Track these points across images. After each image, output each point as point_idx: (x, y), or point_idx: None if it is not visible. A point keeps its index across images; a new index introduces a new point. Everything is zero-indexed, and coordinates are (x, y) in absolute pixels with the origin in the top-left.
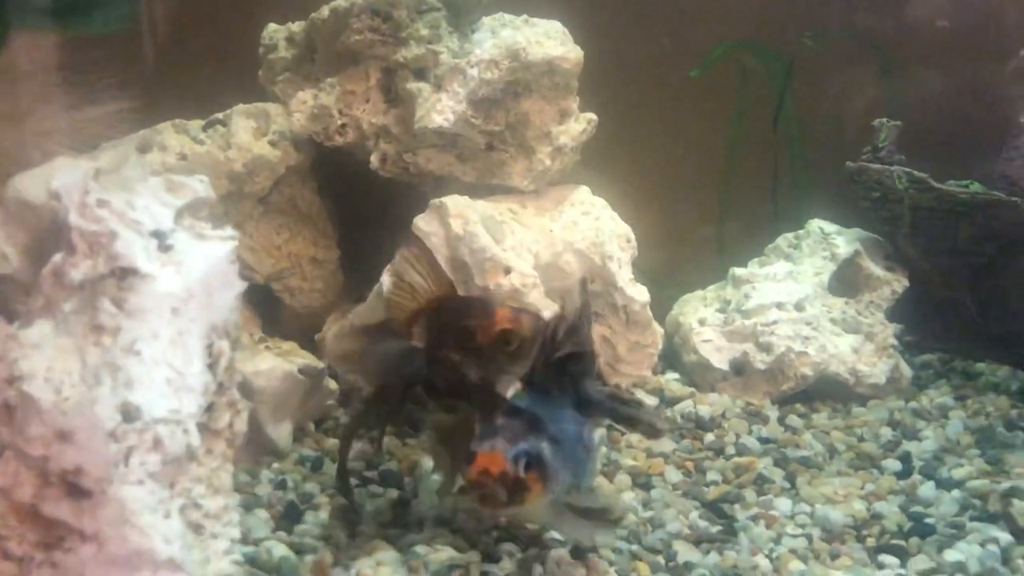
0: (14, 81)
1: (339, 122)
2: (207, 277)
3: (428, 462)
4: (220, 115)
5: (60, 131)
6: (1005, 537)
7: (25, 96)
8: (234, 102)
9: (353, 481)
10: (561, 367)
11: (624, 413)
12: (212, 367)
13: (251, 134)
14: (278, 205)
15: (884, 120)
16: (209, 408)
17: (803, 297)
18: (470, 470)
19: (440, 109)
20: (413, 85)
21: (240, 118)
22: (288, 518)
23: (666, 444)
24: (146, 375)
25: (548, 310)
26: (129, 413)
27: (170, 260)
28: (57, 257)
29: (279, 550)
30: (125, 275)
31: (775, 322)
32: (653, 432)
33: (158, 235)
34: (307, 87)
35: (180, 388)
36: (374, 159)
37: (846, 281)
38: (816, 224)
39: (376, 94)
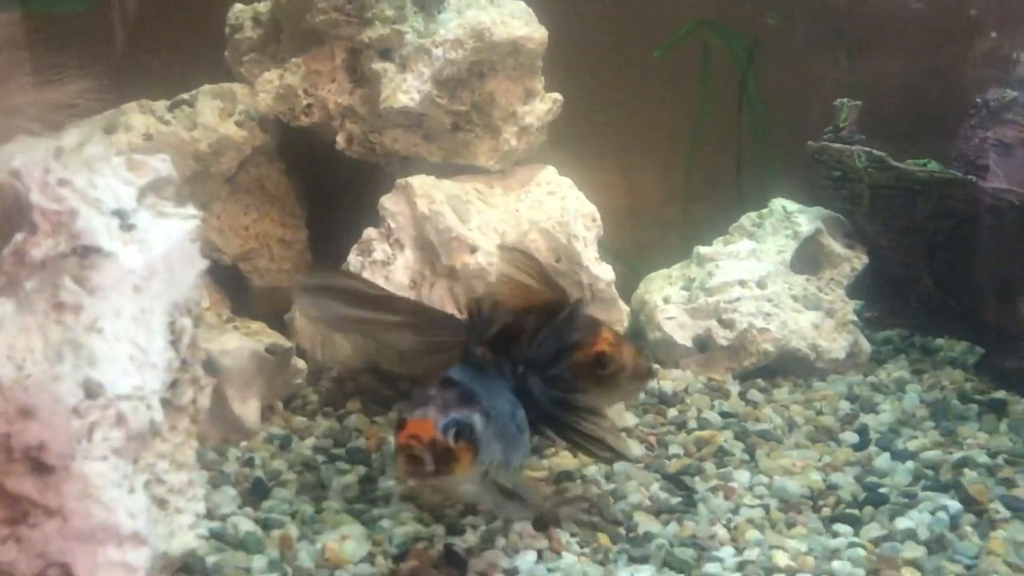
0: None
1: (305, 102)
2: (169, 255)
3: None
4: (186, 95)
5: (24, 110)
6: (955, 505)
7: None
8: (200, 83)
9: (321, 459)
10: (503, 347)
11: (572, 424)
12: (175, 344)
13: (217, 114)
14: (245, 185)
15: (845, 100)
16: (172, 384)
17: (765, 275)
18: (399, 435)
19: (405, 89)
20: (378, 65)
21: (206, 98)
22: (255, 494)
23: (630, 419)
24: (108, 352)
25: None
26: (92, 389)
27: (132, 238)
28: (19, 236)
29: (245, 525)
30: (87, 253)
31: (738, 299)
32: (608, 455)
33: (120, 214)
34: (273, 67)
35: (143, 365)
36: (340, 139)
37: (807, 258)
38: (779, 203)
39: (342, 74)
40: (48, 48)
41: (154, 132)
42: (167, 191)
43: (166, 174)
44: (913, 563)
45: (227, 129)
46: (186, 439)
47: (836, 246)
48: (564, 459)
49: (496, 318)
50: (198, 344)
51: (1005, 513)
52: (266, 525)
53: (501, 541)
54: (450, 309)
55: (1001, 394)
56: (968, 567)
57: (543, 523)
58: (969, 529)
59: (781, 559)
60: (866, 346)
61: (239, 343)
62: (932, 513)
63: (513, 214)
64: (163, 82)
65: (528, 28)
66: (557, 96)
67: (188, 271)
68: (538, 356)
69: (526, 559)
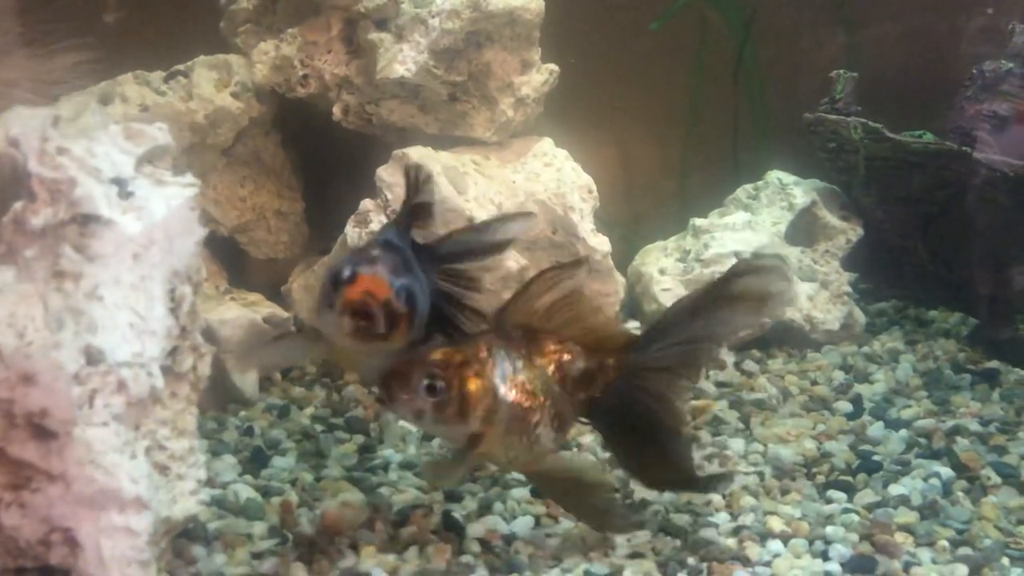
0: None
1: (301, 73)
2: (168, 223)
3: None
4: (182, 66)
5: (21, 82)
6: (947, 472)
7: None
8: (195, 54)
9: (319, 428)
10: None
11: (450, 317)
12: (174, 311)
13: (213, 85)
14: (242, 157)
15: (841, 71)
16: (172, 352)
17: (761, 246)
18: (349, 290)
19: (402, 60)
20: (374, 35)
21: (202, 69)
22: (255, 463)
23: None
24: (109, 319)
25: (513, 260)
26: (92, 356)
27: (131, 207)
28: (17, 205)
29: (246, 492)
30: (86, 221)
31: None
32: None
33: (118, 182)
34: (269, 38)
35: (143, 332)
36: (336, 110)
37: (803, 230)
38: (775, 175)
39: (338, 44)
40: (44, 19)
41: (150, 103)
42: (165, 160)
43: (164, 143)
44: (906, 528)
45: (223, 100)
46: (186, 406)
47: (831, 218)
48: None
49: (425, 195)
50: (198, 312)
51: (996, 479)
52: (266, 492)
53: (499, 507)
54: None
55: (993, 364)
56: (960, 532)
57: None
58: (961, 495)
59: (776, 524)
60: (860, 317)
61: (237, 314)
62: (925, 480)
63: (510, 185)
64: (158, 54)
65: None
66: (554, 67)
67: (187, 239)
68: (445, 247)
69: (524, 525)
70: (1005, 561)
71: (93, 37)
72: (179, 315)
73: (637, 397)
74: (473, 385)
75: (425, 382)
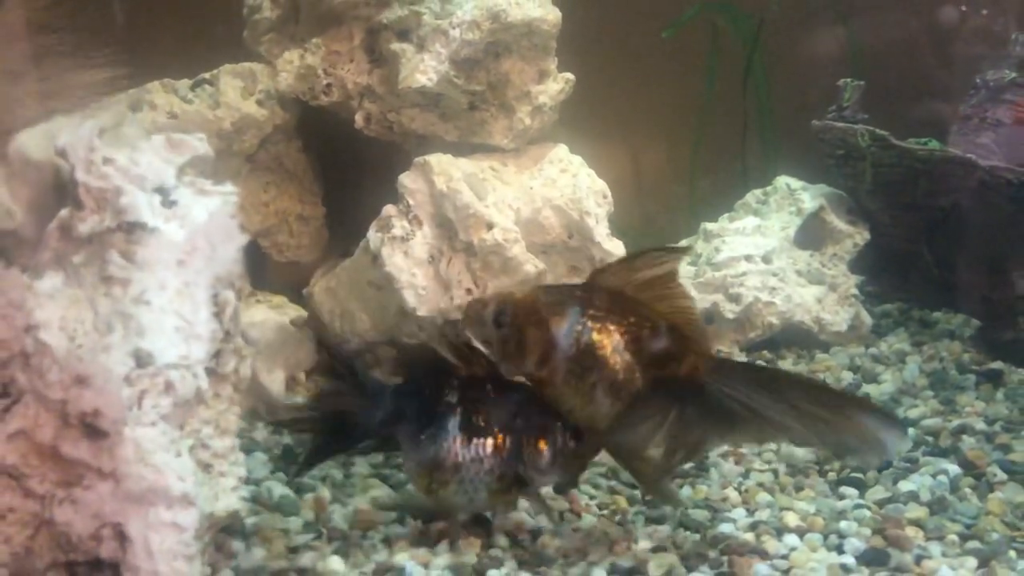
0: (9, 41)
1: (324, 82)
2: (210, 230)
3: None
4: (207, 75)
5: (55, 92)
6: (954, 469)
7: (19, 56)
8: (218, 64)
9: None
10: None
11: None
12: (218, 316)
13: (239, 93)
14: (265, 163)
15: (848, 80)
16: (216, 354)
17: (770, 250)
18: None
19: (423, 69)
20: (396, 46)
21: (228, 77)
22: (285, 460)
23: None
24: (156, 323)
25: (531, 264)
26: (141, 359)
27: (174, 215)
28: (64, 212)
29: (279, 489)
30: (132, 229)
31: (744, 274)
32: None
33: (161, 191)
34: (292, 47)
35: (189, 335)
36: (359, 118)
37: (811, 234)
38: (783, 180)
39: (360, 54)
40: (75, 31)
41: (178, 111)
42: (204, 168)
43: (203, 152)
44: (916, 522)
45: (249, 108)
46: (229, 406)
47: (839, 222)
48: None
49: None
50: (239, 316)
51: (1002, 476)
52: (299, 489)
53: (524, 503)
54: (467, 284)
55: (997, 364)
56: (968, 526)
57: (563, 487)
58: (968, 491)
59: (791, 520)
60: (867, 319)
61: (265, 316)
62: (933, 476)
63: (527, 191)
64: (183, 64)
65: (542, 10)
66: (569, 76)
67: (228, 246)
68: None
69: (548, 520)
70: (1012, 554)
71: (122, 46)
72: (222, 319)
73: (700, 404)
74: (532, 329)
75: (495, 315)
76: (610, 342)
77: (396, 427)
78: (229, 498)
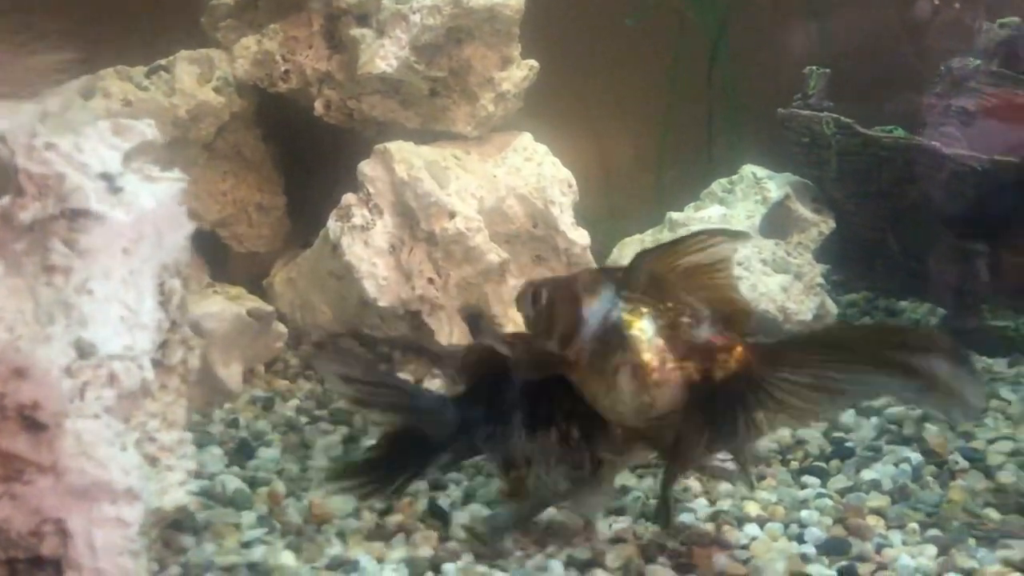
0: None
1: (282, 68)
2: (157, 218)
3: None
4: (163, 61)
5: (3, 80)
6: (917, 457)
7: None
8: (176, 50)
9: (304, 420)
10: None
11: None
12: (164, 305)
13: (195, 80)
14: (223, 152)
15: (814, 68)
16: (162, 345)
17: None
18: None
19: (383, 55)
20: (356, 31)
21: (184, 64)
22: (241, 454)
23: None
24: (99, 313)
25: (494, 253)
26: (83, 349)
27: (119, 202)
28: (5, 199)
29: (233, 483)
30: (75, 216)
31: None
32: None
33: (107, 177)
34: (250, 33)
35: (133, 325)
36: (318, 105)
37: (776, 223)
38: (749, 169)
39: (319, 40)
40: (27, 15)
41: (132, 98)
42: (153, 155)
43: (151, 138)
44: (878, 511)
45: (205, 95)
46: (176, 398)
47: (804, 211)
48: None
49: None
50: (187, 305)
51: (964, 464)
52: (253, 483)
53: (483, 495)
54: (428, 274)
55: None
56: (929, 514)
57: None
58: (930, 479)
59: (752, 509)
60: (833, 308)
61: (221, 307)
62: (896, 465)
63: (491, 180)
64: (139, 50)
65: None
66: (533, 63)
67: (176, 233)
68: None
69: (507, 512)
70: (972, 542)
71: (75, 33)
72: (169, 309)
73: (738, 402)
74: (562, 306)
75: (532, 292)
76: (639, 324)
77: (471, 435)
78: (177, 492)
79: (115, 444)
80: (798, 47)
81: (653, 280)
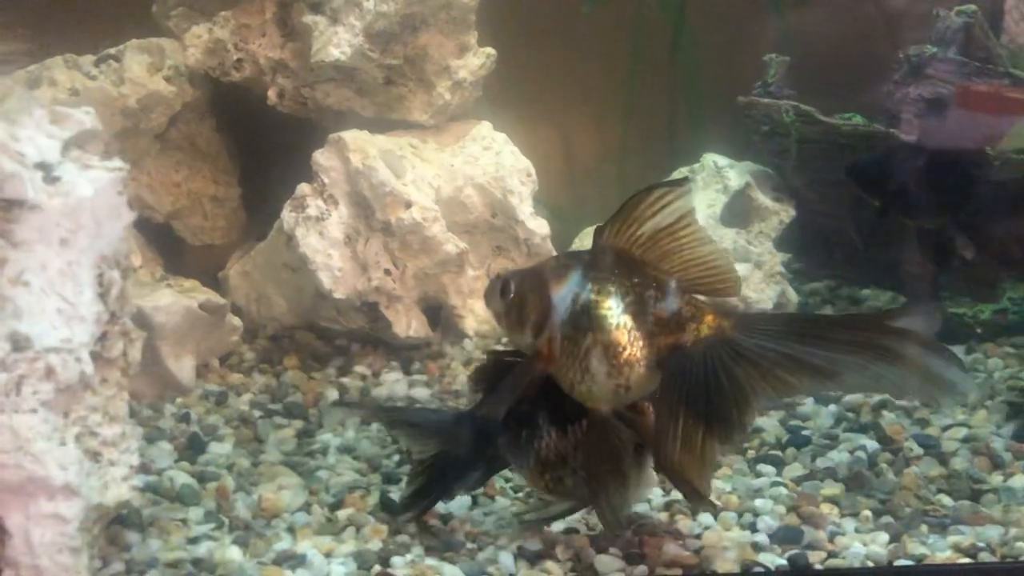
0: None
1: (235, 57)
2: (95, 208)
3: (333, 393)
4: (113, 50)
5: None
6: (872, 444)
7: None
8: (127, 38)
9: (258, 414)
10: None
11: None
12: (103, 297)
13: (145, 69)
14: (176, 142)
15: (774, 56)
16: (102, 337)
17: None
18: None
19: (336, 43)
20: (309, 18)
21: (134, 53)
22: (192, 449)
23: None
24: (35, 305)
25: (452, 243)
26: (19, 343)
27: (57, 191)
28: None
29: (181, 478)
30: (10, 207)
31: None
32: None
33: (44, 166)
34: (201, 21)
35: (71, 318)
36: (271, 94)
37: (737, 212)
38: (710, 158)
39: (272, 28)
40: None
41: (80, 87)
42: (93, 144)
43: (91, 127)
44: (831, 499)
45: (156, 84)
46: (118, 392)
47: (765, 200)
48: None
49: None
50: (127, 297)
51: (918, 451)
52: (202, 478)
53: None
54: (385, 264)
55: None
56: (882, 501)
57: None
58: (885, 467)
59: None
60: (793, 297)
61: (172, 300)
62: (851, 453)
63: (448, 169)
64: (89, 40)
65: None
66: (490, 51)
67: (115, 224)
68: None
69: (460, 504)
70: (924, 528)
71: (22, 23)
72: (108, 300)
73: (718, 370)
74: (531, 295)
75: (500, 286)
76: (606, 303)
77: (494, 445)
78: (120, 488)
79: (53, 439)
80: (760, 34)
81: (620, 257)
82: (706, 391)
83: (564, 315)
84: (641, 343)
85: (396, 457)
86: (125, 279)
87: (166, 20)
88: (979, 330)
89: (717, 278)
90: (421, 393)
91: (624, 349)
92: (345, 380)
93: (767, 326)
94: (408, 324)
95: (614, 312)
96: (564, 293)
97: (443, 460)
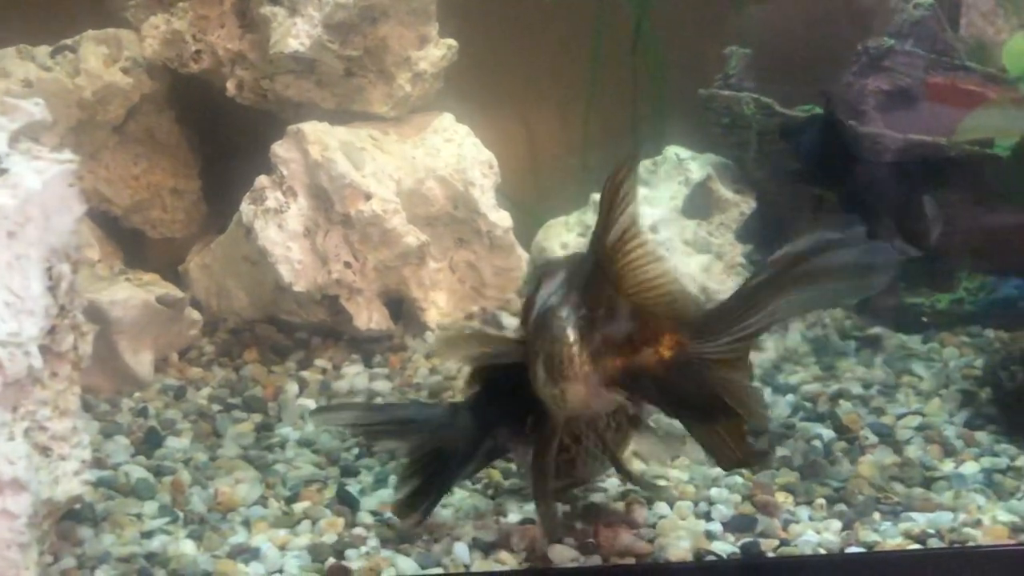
0: None
1: (193, 48)
2: (44, 200)
3: (293, 387)
4: (68, 41)
5: None
6: (829, 434)
7: None
8: (83, 29)
9: (216, 408)
10: None
11: None
12: (52, 290)
13: (102, 61)
14: (134, 135)
15: (734, 48)
16: (51, 331)
17: (658, 220)
18: None
19: (295, 34)
20: (267, 9)
21: (90, 44)
22: (148, 443)
23: None
24: None
25: (412, 236)
26: None
27: (4, 183)
28: None
29: (137, 473)
30: None
31: None
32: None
33: None
34: (159, 12)
35: (19, 311)
36: (230, 86)
37: (698, 204)
38: (672, 150)
39: (231, 19)
40: None
41: (34, 78)
42: (43, 135)
43: (40, 118)
44: (786, 487)
45: (112, 76)
46: (68, 386)
47: (725, 192)
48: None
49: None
50: (78, 290)
51: (874, 439)
52: (158, 472)
53: (393, 480)
54: (345, 257)
55: (877, 330)
56: (836, 489)
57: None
58: (840, 455)
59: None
60: None
61: (129, 294)
62: (808, 442)
63: (409, 161)
64: (44, 31)
65: None
66: (452, 42)
67: (66, 217)
68: None
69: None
70: (876, 516)
71: None
72: (57, 294)
73: (695, 380)
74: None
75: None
76: (560, 314)
77: (494, 435)
78: (71, 483)
79: (1, 434)
80: (724, 25)
81: (599, 269)
82: (696, 399)
83: (534, 313)
84: (584, 360)
85: (355, 451)
86: (76, 272)
87: (123, 11)
88: (936, 319)
89: (668, 303)
90: (382, 386)
91: (562, 363)
92: (305, 374)
93: (721, 320)
94: (369, 317)
95: (561, 324)
96: (543, 293)
97: (440, 456)
